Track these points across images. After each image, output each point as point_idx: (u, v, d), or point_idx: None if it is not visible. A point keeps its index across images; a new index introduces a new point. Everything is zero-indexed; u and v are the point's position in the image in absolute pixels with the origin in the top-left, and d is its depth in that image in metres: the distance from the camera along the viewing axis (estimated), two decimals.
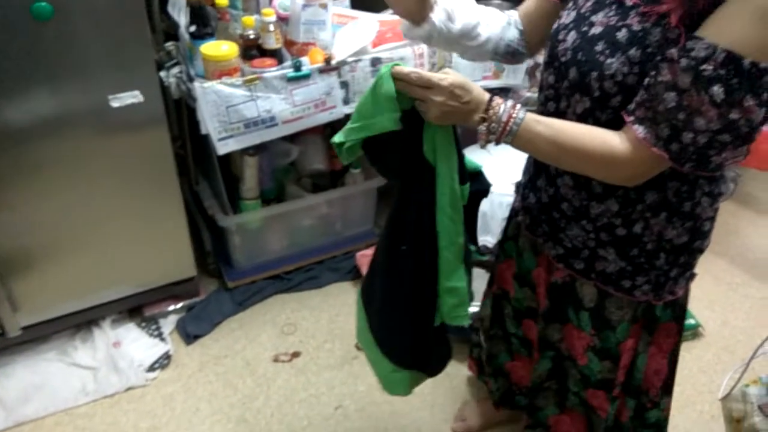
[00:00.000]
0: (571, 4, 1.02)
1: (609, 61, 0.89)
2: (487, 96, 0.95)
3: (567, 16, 1.01)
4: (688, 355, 1.98)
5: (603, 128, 0.92)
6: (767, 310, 2.20)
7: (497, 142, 0.95)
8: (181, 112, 2.02)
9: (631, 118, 0.88)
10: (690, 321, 2.03)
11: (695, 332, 2.05)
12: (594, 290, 1.14)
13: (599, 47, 0.91)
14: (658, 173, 0.92)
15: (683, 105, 0.82)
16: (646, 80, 0.86)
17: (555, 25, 1.04)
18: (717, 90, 0.79)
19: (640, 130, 0.87)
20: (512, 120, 0.93)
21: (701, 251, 1.09)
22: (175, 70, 1.73)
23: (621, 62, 0.88)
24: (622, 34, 0.89)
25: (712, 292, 2.27)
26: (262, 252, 2.11)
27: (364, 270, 2.17)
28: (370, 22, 1.84)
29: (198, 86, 1.59)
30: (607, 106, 0.93)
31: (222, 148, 1.68)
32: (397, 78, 0.94)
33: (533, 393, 1.40)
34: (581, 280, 1.15)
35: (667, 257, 1.05)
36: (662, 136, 0.85)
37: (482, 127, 0.94)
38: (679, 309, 1.15)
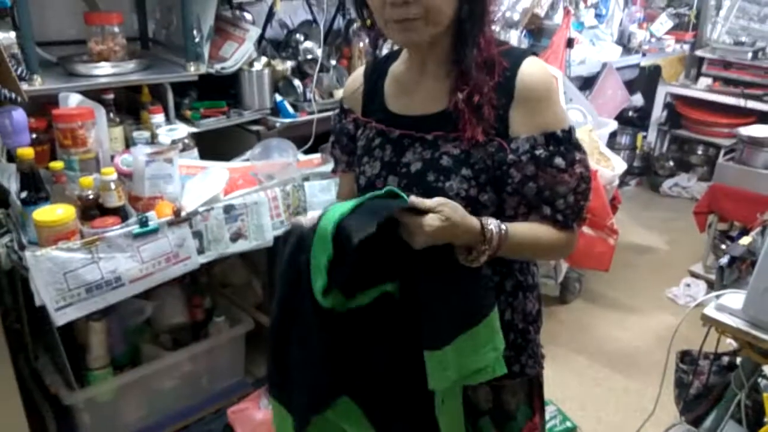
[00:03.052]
0: (365, 159, 1.12)
1: (448, 183, 1.01)
2: (473, 217, 0.96)
3: (370, 169, 1.11)
4: None
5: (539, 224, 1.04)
6: (631, 400, 2.33)
7: (490, 257, 0.96)
8: (14, 284, 1.84)
9: (521, 220, 1.03)
10: (567, 424, 2.08)
11: None
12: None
13: (431, 177, 1.02)
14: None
15: (542, 185, 0.99)
16: (505, 192, 1.01)
17: (360, 182, 1.14)
18: (558, 161, 0.99)
19: (534, 219, 1.03)
20: (502, 233, 0.97)
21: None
22: (5, 240, 1.59)
23: (459, 181, 1.00)
24: (446, 161, 1.02)
25: (579, 391, 2.37)
26: (116, 428, 1.88)
27: (238, 427, 2.02)
28: (220, 171, 1.86)
29: (30, 255, 1.47)
30: None
31: (60, 319, 1.53)
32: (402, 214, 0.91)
33: None
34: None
35: (534, 327, 1.15)
36: (546, 214, 1.02)
37: (483, 247, 0.95)
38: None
